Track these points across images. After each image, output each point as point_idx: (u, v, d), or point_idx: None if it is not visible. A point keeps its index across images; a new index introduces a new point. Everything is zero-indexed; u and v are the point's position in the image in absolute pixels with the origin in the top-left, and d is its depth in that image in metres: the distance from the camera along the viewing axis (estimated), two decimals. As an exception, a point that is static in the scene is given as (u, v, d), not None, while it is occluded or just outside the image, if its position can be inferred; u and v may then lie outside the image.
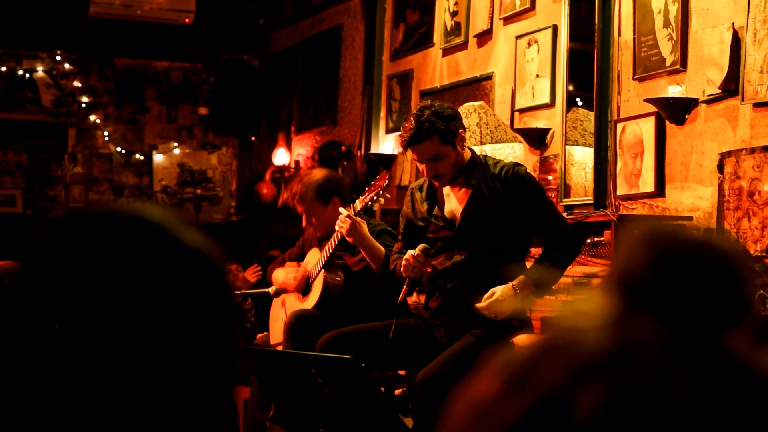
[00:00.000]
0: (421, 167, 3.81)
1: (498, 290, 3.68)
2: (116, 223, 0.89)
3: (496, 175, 3.83)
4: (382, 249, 4.22)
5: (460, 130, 3.79)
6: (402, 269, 3.80)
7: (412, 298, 5.34)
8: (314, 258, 4.79)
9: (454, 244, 3.85)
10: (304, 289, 4.77)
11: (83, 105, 9.26)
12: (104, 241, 0.88)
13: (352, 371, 3.54)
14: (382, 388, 4.47)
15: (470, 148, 3.97)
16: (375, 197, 4.21)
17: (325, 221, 4.69)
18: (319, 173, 4.85)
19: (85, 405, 0.85)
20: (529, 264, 3.99)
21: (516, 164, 3.91)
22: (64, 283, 0.86)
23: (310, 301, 4.65)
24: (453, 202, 3.89)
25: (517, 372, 0.56)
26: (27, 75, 9.08)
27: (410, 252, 3.80)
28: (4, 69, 9.01)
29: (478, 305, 3.68)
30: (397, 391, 4.89)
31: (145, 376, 0.86)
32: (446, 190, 3.94)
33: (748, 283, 0.83)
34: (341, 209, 4.31)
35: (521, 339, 3.80)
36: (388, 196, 4.15)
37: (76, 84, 9.23)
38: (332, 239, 4.52)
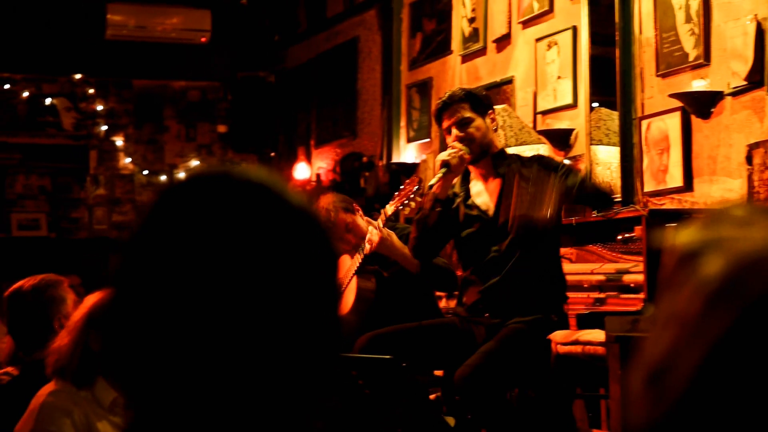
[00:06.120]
0: (450, 138, 3.90)
1: None
2: (228, 184, 0.92)
3: (526, 160, 3.98)
4: None
5: (491, 111, 3.94)
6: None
7: (442, 303, 5.35)
8: (344, 265, 4.81)
9: (491, 235, 3.87)
10: None
11: (103, 127, 9.33)
12: (218, 202, 0.90)
13: (393, 371, 3.56)
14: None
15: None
16: (406, 201, 4.22)
17: (355, 237, 4.68)
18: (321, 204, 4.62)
19: (218, 372, 0.86)
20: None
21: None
22: (180, 245, 0.88)
23: (344, 307, 4.67)
24: (485, 195, 3.93)
25: (719, 288, 0.58)
26: (47, 100, 9.17)
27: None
28: (25, 94, 9.09)
29: None
30: (431, 396, 4.88)
31: (269, 341, 0.87)
32: (478, 185, 3.97)
33: None
34: (371, 228, 4.31)
35: (558, 335, 3.80)
36: (419, 199, 4.16)
37: (96, 106, 9.30)
38: (362, 248, 4.54)
